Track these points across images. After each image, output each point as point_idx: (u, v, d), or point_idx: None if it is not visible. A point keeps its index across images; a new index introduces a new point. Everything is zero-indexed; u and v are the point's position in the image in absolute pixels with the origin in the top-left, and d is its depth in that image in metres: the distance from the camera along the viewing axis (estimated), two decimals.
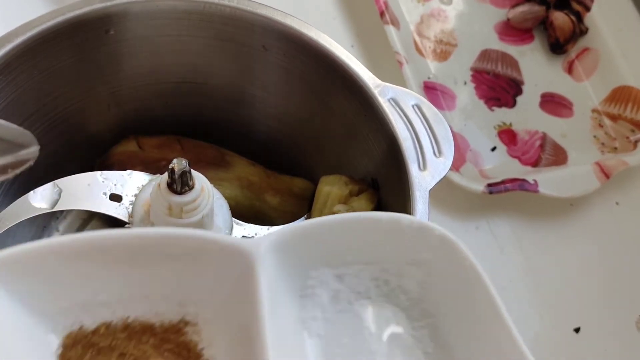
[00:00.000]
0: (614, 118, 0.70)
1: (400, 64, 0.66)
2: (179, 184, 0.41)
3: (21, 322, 0.32)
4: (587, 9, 0.72)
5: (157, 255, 0.33)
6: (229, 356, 0.34)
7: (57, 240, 0.33)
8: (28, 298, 0.32)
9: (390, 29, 0.67)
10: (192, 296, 0.35)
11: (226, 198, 0.47)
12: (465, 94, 0.70)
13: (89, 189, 0.46)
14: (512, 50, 0.73)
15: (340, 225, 0.35)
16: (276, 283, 0.34)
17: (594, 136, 0.69)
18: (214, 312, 0.35)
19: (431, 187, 0.44)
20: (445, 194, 0.64)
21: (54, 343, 0.33)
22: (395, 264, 0.36)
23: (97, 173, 0.47)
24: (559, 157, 0.68)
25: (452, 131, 0.47)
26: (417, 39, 0.72)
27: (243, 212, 0.52)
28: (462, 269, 0.34)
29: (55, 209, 0.45)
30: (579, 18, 0.72)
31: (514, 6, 0.74)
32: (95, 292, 0.34)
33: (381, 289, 0.36)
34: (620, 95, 0.70)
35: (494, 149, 0.67)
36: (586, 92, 0.72)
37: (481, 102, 0.70)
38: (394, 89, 0.47)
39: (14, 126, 0.32)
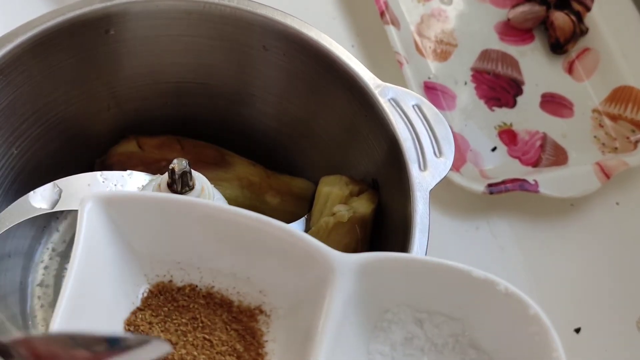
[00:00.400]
0: (614, 118, 0.70)
1: (401, 64, 0.66)
2: (179, 184, 0.41)
3: (122, 256, 0.35)
4: (588, 9, 0.72)
5: (253, 240, 0.35)
6: (286, 356, 0.35)
7: (173, 197, 0.36)
8: (134, 240, 0.35)
9: (391, 29, 0.67)
10: (274, 288, 0.36)
11: (226, 198, 0.47)
12: (466, 94, 0.70)
13: (89, 189, 0.46)
14: (513, 50, 0.73)
15: (435, 268, 0.34)
16: (353, 303, 0.34)
17: (595, 136, 0.69)
18: (288, 310, 0.36)
19: (432, 188, 0.44)
20: (446, 194, 0.64)
21: (143, 285, 0.36)
22: (479, 327, 0.35)
23: (97, 173, 0.47)
24: (559, 157, 0.68)
25: (452, 131, 0.47)
26: (418, 39, 0.72)
27: None
28: None
29: (55, 209, 0.45)
30: (579, 18, 0.72)
31: (514, 6, 0.74)
32: (192, 255, 0.36)
33: (456, 350, 0.35)
34: (621, 95, 0.70)
35: (494, 149, 0.67)
36: (586, 92, 0.72)
37: (481, 102, 0.70)
38: (394, 89, 0.47)
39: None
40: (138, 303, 0.36)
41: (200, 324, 0.36)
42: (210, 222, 0.35)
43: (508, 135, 0.68)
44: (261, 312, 0.36)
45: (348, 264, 0.34)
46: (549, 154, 0.68)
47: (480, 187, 0.61)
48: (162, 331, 0.35)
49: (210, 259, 0.36)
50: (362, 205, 0.49)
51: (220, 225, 0.35)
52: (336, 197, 0.50)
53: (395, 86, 0.47)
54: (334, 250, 0.35)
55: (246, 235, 0.35)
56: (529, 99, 0.71)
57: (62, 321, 0.31)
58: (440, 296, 0.35)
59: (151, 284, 0.36)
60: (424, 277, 0.35)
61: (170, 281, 0.37)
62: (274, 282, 0.36)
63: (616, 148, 0.68)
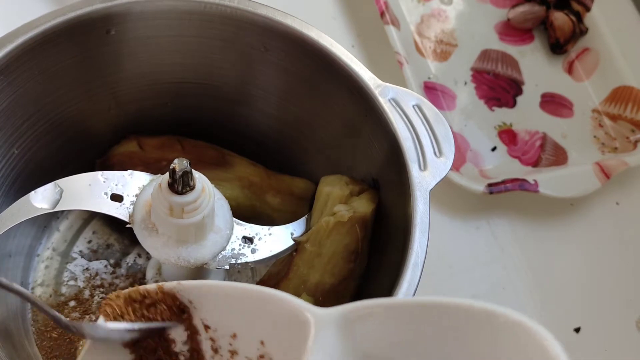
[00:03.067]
0: (614, 118, 0.70)
1: (401, 64, 0.66)
2: (180, 184, 0.41)
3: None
4: (587, 9, 0.73)
5: (246, 307, 0.37)
6: None
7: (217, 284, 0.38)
8: None
9: (391, 29, 0.67)
10: (276, 345, 0.36)
11: (227, 198, 0.47)
12: (466, 94, 0.70)
13: (90, 189, 0.46)
14: (512, 50, 0.73)
15: (424, 308, 0.32)
16: (337, 357, 0.33)
17: (594, 136, 0.69)
18: None
19: (432, 187, 0.44)
20: (446, 194, 0.64)
21: None
22: None
23: (98, 173, 0.47)
24: (559, 157, 0.68)
25: (452, 131, 0.47)
26: (418, 39, 0.72)
27: (244, 212, 0.52)
28: None
29: (56, 209, 0.45)
30: (579, 18, 0.72)
31: (514, 6, 0.74)
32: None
33: None
34: (621, 95, 0.70)
35: (494, 149, 0.67)
36: (586, 92, 0.72)
37: (481, 102, 0.70)
38: (394, 89, 0.47)
39: None
40: None
41: None
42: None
43: (508, 135, 0.68)
44: None
45: (327, 319, 0.33)
46: (549, 153, 0.68)
47: (480, 186, 0.61)
48: None
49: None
50: (362, 205, 0.49)
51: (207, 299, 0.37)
52: (336, 197, 0.50)
53: (396, 86, 0.47)
54: (312, 306, 0.34)
55: (237, 303, 0.36)
56: (529, 99, 0.71)
57: None
58: (436, 339, 0.32)
59: None
60: (413, 320, 0.32)
61: None
62: (275, 340, 0.36)
63: (616, 148, 0.68)
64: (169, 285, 0.38)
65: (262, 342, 0.36)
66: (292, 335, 0.34)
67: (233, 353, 0.37)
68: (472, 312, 0.31)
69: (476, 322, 0.31)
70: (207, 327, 0.37)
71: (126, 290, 0.38)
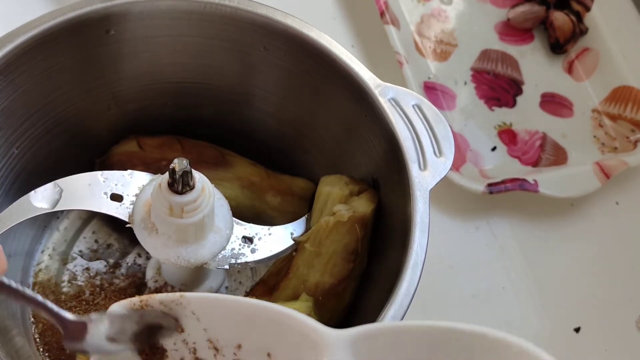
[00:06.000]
0: (614, 118, 0.70)
1: (401, 64, 0.66)
2: (180, 184, 0.41)
3: None
4: (587, 9, 0.72)
5: (256, 325, 0.36)
6: None
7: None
8: None
9: (391, 29, 0.67)
10: (279, 357, 0.36)
11: (227, 198, 0.47)
12: (466, 94, 0.70)
13: (90, 189, 0.46)
14: (512, 50, 0.73)
15: (431, 333, 0.32)
16: None
17: (594, 136, 0.69)
18: None
19: (432, 187, 0.44)
20: (446, 194, 0.64)
21: None
22: None
23: (98, 173, 0.47)
24: (559, 157, 0.68)
25: (452, 131, 0.47)
26: (418, 39, 0.72)
27: (243, 212, 0.52)
28: None
29: (56, 209, 0.45)
30: (579, 18, 0.72)
31: (514, 6, 0.74)
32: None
33: None
34: (620, 95, 0.70)
35: (494, 149, 0.67)
36: (586, 92, 0.72)
37: (481, 102, 0.70)
38: (394, 89, 0.47)
39: None
40: None
41: None
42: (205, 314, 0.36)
43: (508, 135, 0.68)
44: None
45: (339, 343, 0.33)
46: (549, 153, 0.68)
47: (480, 186, 0.61)
48: None
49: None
50: (362, 205, 0.49)
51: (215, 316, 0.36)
52: (336, 196, 0.50)
53: (395, 86, 0.47)
54: (323, 327, 0.34)
55: (244, 317, 0.36)
56: (529, 98, 0.71)
57: None
58: None
59: None
60: (425, 345, 0.33)
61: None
62: (283, 355, 0.36)
63: (616, 148, 0.68)
64: (170, 296, 0.37)
65: (269, 355, 0.36)
66: (301, 353, 0.34)
67: None
68: (485, 339, 0.31)
69: (487, 349, 0.31)
70: (210, 340, 0.37)
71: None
